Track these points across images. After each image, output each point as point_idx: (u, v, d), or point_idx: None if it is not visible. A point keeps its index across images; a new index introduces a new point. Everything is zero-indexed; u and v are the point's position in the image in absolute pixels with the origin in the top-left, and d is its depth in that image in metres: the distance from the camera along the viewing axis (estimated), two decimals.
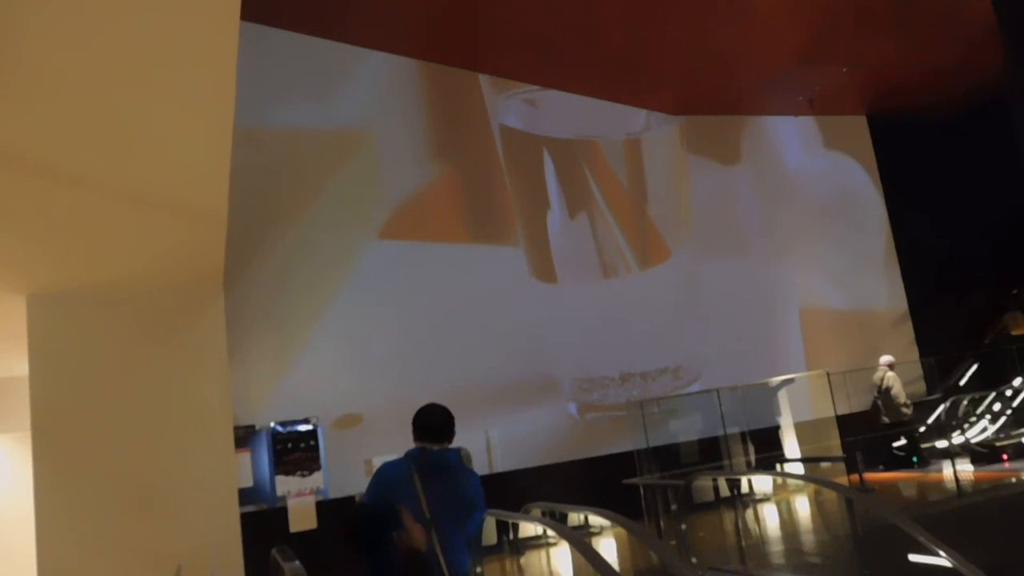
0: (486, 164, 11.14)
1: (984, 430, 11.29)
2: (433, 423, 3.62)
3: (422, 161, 10.71)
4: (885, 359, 11.20)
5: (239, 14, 2.94)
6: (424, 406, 3.72)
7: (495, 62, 11.10)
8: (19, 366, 7.12)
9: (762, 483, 10.35)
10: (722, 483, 10.10)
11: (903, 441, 12.08)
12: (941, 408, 11.85)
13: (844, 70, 12.28)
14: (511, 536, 8.85)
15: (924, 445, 11.75)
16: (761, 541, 8.34)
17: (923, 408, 12.33)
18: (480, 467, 9.47)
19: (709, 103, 12.61)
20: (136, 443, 5.96)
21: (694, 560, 6.92)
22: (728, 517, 9.33)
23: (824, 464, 10.61)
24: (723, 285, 12.38)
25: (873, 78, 12.88)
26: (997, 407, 11.44)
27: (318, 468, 8.41)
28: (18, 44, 2.86)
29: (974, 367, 13.06)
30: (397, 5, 9.82)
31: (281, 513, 8.16)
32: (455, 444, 3.57)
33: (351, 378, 9.53)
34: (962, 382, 13.01)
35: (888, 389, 10.86)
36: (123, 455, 5.91)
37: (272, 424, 8.55)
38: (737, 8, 10.08)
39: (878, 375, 11.07)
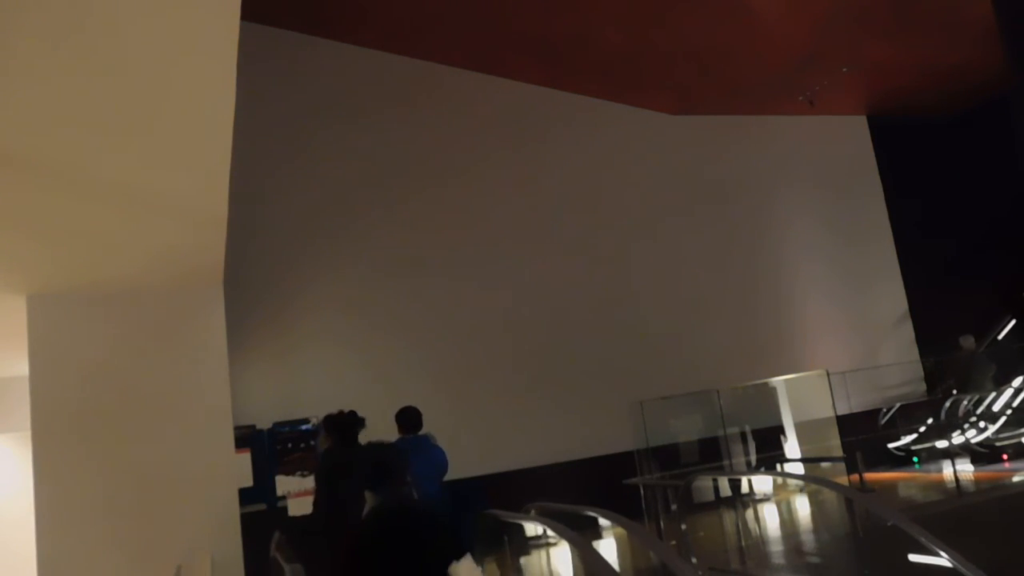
0: (486, 163, 11.13)
1: (984, 430, 11.28)
2: (411, 420, 5.88)
3: (421, 161, 10.71)
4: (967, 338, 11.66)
5: (239, 12, 2.94)
6: (402, 408, 5.91)
7: (494, 62, 11.10)
8: (19, 366, 7.13)
9: (762, 483, 10.35)
10: (722, 483, 10.10)
11: (903, 441, 12.10)
12: (942, 408, 11.84)
13: (844, 70, 12.28)
14: (511, 536, 8.84)
15: (924, 445, 11.76)
16: (761, 541, 8.35)
17: (923, 408, 12.34)
18: (480, 467, 9.52)
19: (709, 103, 12.62)
20: (136, 443, 5.96)
21: (694, 560, 6.92)
22: (728, 517, 9.33)
23: (824, 464, 10.61)
24: (722, 285, 12.39)
25: (873, 78, 12.88)
26: (997, 407, 11.43)
27: None
28: (16, 43, 2.86)
29: (1012, 323, 13.10)
30: (396, 5, 9.83)
31: (281, 513, 8.15)
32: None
33: (351, 378, 9.53)
34: (1000, 335, 13.11)
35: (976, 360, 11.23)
36: (123, 455, 5.91)
37: (272, 424, 8.54)
38: (737, 8, 10.08)
39: (967, 343, 11.47)
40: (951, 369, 12.05)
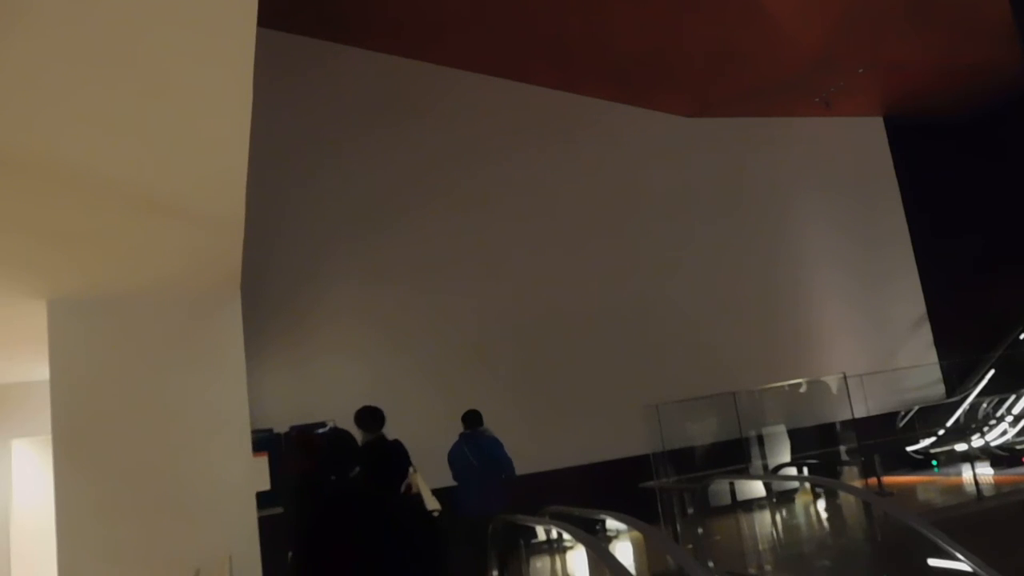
0: (503, 169, 11.14)
1: (1004, 433, 11.17)
2: (471, 419, 7.19)
3: (438, 168, 10.74)
4: None
5: (256, 18, 2.96)
6: (467, 411, 7.23)
7: (511, 66, 11.12)
8: (40, 371, 7.20)
9: (779, 486, 10.29)
10: (739, 486, 10.05)
11: (921, 444, 12.01)
12: (960, 411, 11.75)
13: (860, 71, 12.21)
14: (526, 539, 8.82)
15: (943, 448, 11.66)
16: (778, 545, 8.30)
17: (941, 411, 12.23)
18: None
19: (725, 105, 12.58)
20: (155, 447, 6.00)
21: (711, 564, 6.89)
22: (745, 521, 9.28)
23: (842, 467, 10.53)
24: (738, 287, 12.34)
25: (890, 79, 12.80)
26: (1017, 409, 11.33)
27: None
28: (38, 54, 2.90)
29: None
30: (415, 11, 9.87)
31: None
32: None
33: (368, 380, 9.56)
34: None
35: None
36: (142, 459, 5.95)
37: (290, 427, 8.57)
38: (752, 10, 10.04)
39: None
40: None
